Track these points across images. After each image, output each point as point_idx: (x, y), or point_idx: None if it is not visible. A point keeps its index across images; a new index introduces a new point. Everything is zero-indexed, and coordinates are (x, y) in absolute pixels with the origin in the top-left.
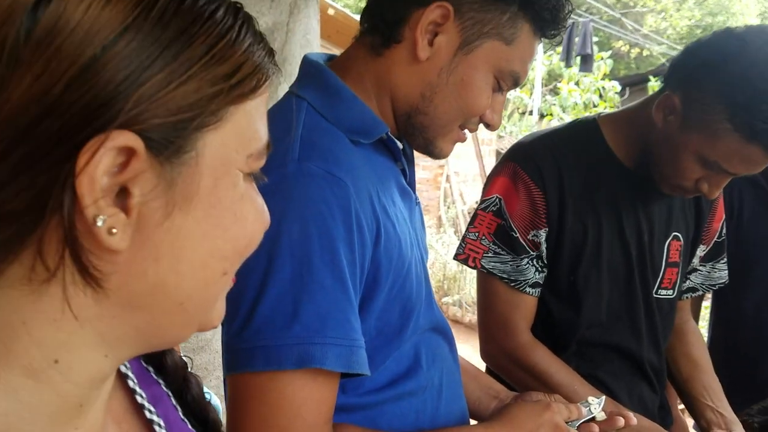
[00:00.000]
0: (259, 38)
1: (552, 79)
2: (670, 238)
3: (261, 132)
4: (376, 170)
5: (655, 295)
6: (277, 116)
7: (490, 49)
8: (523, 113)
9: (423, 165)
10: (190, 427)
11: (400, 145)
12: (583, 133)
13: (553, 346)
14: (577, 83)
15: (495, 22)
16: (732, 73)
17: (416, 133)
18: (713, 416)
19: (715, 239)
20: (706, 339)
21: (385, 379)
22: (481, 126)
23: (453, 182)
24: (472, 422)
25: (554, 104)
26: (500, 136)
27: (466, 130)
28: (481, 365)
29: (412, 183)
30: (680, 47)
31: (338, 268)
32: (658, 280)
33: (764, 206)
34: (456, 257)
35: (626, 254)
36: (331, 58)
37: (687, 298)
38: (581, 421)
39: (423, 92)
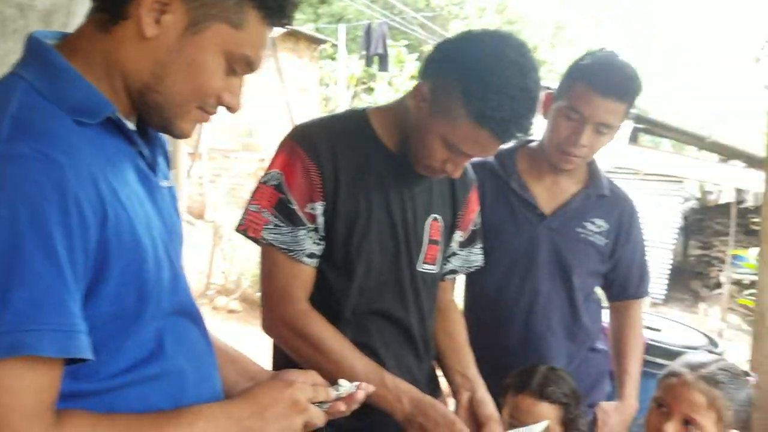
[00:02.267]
0: None
1: (370, 78)
2: (430, 219)
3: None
4: (105, 151)
5: (419, 269)
6: None
7: (218, 31)
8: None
9: (242, 159)
10: None
11: (131, 126)
12: (354, 122)
13: (330, 315)
14: (389, 83)
15: (221, 5)
16: (468, 66)
17: (152, 113)
18: (461, 380)
19: (471, 227)
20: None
21: (124, 364)
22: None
23: None
24: None
25: (370, 103)
26: None
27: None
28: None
29: (153, 165)
30: None
31: (53, 252)
32: (421, 254)
33: (501, 194)
34: (237, 229)
35: (393, 229)
36: (63, 36)
37: (448, 279)
38: (329, 403)
39: (153, 70)
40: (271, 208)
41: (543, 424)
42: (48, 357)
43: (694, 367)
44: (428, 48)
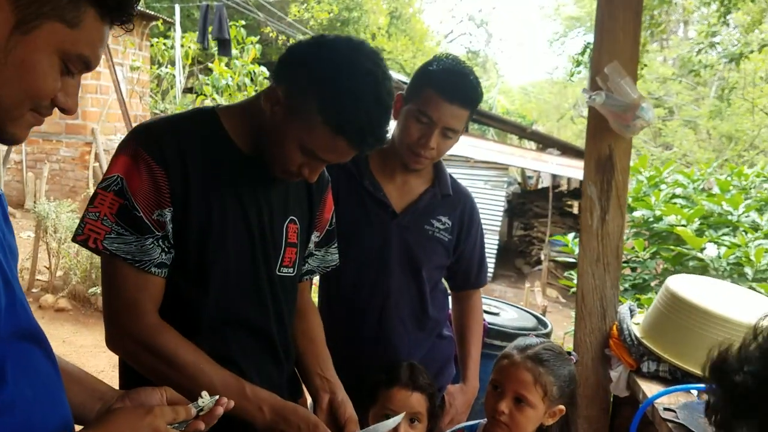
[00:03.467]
0: None
1: (208, 57)
2: (287, 221)
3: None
4: None
5: (278, 273)
6: None
7: (52, 30)
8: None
9: (66, 143)
10: None
11: None
12: (203, 122)
13: (183, 329)
14: (228, 65)
15: (54, 2)
16: (324, 73)
17: None
18: (320, 381)
19: (327, 227)
20: None
21: None
22: (134, 102)
23: (103, 161)
24: (78, 428)
25: (207, 84)
26: (154, 113)
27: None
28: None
29: None
30: None
31: None
32: (280, 258)
33: (355, 195)
34: (75, 239)
35: (250, 234)
36: None
37: (306, 279)
38: (191, 420)
39: None
40: (113, 215)
41: (399, 417)
42: None
43: (521, 349)
44: (268, 30)
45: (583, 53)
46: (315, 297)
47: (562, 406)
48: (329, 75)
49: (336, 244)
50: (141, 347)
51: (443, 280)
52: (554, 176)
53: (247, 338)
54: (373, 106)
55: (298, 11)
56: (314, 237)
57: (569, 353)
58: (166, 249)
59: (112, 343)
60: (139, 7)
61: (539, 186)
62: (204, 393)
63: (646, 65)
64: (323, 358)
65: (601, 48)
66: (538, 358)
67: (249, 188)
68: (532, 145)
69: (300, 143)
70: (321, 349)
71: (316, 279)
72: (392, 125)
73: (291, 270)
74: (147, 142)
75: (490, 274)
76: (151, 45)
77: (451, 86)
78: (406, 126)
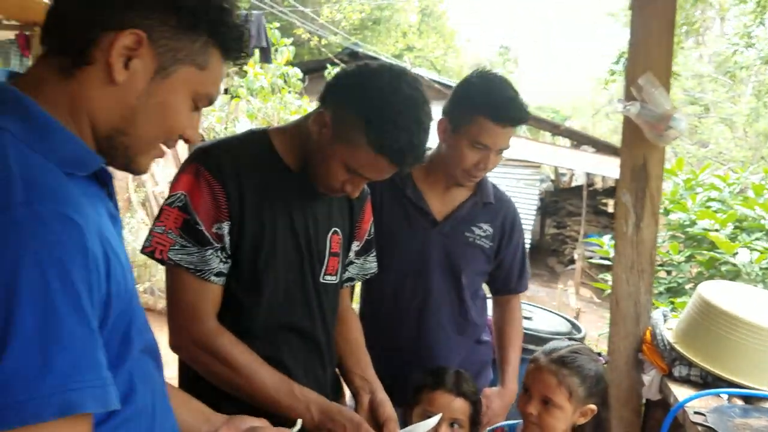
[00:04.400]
0: None
1: None
2: (331, 232)
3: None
4: (92, 200)
5: (321, 281)
6: None
7: (186, 74)
8: None
9: None
10: None
11: (112, 174)
12: (257, 143)
13: (239, 332)
14: (262, 66)
15: (188, 49)
16: (368, 99)
17: (118, 154)
18: (360, 382)
19: (366, 237)
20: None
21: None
22: None
23: None
24: None
25: (242, 86)
26: None
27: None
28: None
29: (115, 203)
30: (354, 38)
31: (82, 311)
32: (324, 267)
33: (398, 203)
34: (143, 251)
35: (297, 245)
36: (11, 76)
37: (346, 286)
38: None
39: (123, 114)
40: (177, 229)
41: (436, 418)
42: (89, 413)
43: (547, 353)
44: (300, 32)
45: (617, 62)
46: (355, 304)
47: (593, 406)
48: (374, 101)
49: (374, 253)
50: (201, 350)
51: (484, 285)
52: (588, 174)
53: (295, 341)
54: (414, 128)
55: (331, 12)
56: (354, 246)
57: (599, 354)
58: (223, 259)
59: (175, 347)
60: None
61: (573, 184)
62: (299, 421)
63: (679, 75)
64: (363, 360)
65: (635, 59)
66: (563, 360)
67: (297, 203)
68: (566, 142)
69: (344, 162)
70: (361, 352)
71: (358, 285)
72: (432, 139)
73: (334, 278)
74: (207, 161)
75: None
76: None
77: (502, 111)
78: (461, 153)
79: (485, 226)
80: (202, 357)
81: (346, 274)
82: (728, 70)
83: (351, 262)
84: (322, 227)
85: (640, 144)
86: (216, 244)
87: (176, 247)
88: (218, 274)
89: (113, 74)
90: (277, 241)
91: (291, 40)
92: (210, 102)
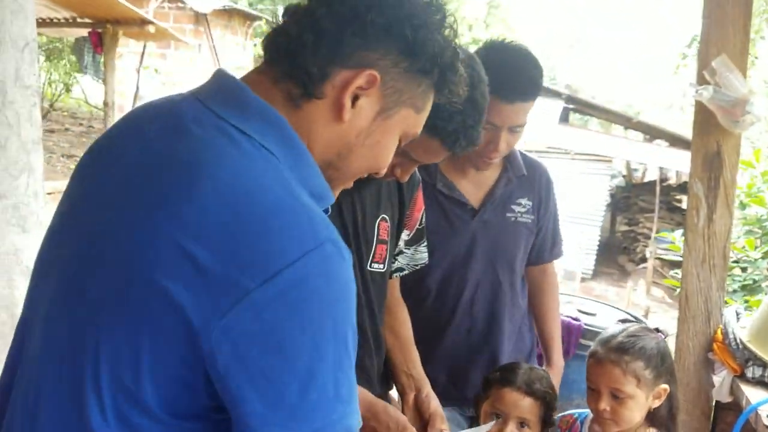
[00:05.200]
0: None
1: None
2: (379, 219)
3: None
4: None
5: (369, 268)
6: (261, 166)
7: (404, 116)
8: None
9: None
10: None
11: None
12: None
13: None
14: None
15: (411, 92)
16: None
17: None
18: (406, 380)
19: (416, 226)
20: None
21: None
22: None
23: None
24: None
25: None
26: None
27: None
28: None
29: None
30: None
31: (349, 343)
32: (371, 254)
33: (431, 199)
34: None
35: (344, 230)
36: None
37: (396, 277)
38: None
39: (340, 151)
40: None
41: (489, 426)
42: None
43: (603, 343)
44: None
45: (690, 45)
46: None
47: (665, 386)
48: None
49: (425, 243)
50: None
51: None
52: (662, 169)
53: None
54: (467, 108)
55: None
56: (404, 235)
57: (657, 330)
58: None
59: None
60: (243, 8)
61: (645, 179)
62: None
63: (757, 57)
64: (410, 355)
65: (708, 41)
66: (622, 347)
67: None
68: (639, 135)
69: None
70: (408, 346)
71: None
72: None
73: (381, 266)
74: None
75: (589, 271)
76: (255, 45)
77: (507, 85)
78: None
79: (524, 201)
80: None
81: (396, 264)
82: None
83: (401, 252)
84: (370, 213)
85: (714, 130)
86: None
87: None
88: None
89: (342, 112)
90: None
91: None
92: (411, 139)
